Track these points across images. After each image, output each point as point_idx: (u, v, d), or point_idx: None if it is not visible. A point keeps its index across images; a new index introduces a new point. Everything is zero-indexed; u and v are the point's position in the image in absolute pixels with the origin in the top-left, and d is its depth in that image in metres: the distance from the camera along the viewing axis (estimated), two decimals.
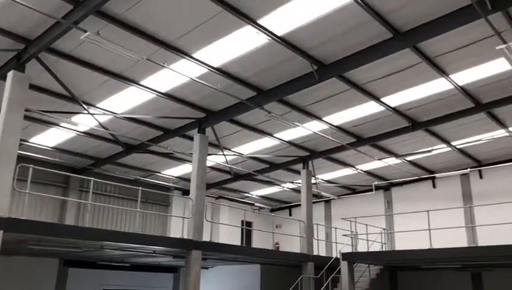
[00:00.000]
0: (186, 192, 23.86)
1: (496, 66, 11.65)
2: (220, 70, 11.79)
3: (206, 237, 14.52)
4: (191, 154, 15.45)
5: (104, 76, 12.11)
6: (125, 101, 13.63)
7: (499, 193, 18.93)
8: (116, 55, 10.80)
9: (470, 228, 19.62)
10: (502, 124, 15.55)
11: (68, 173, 13.60)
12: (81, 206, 20.35)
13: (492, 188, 19.52)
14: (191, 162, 16.94)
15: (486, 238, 18.47)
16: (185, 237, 13.94)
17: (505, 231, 15.93)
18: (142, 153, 18.28)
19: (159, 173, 21.40)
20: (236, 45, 10.61)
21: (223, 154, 17.59)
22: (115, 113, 14.38)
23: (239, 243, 25.07)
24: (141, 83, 12.58)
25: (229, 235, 23.90)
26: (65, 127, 15.78)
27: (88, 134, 16.40)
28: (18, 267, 16.30)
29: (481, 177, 20.20)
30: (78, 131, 16.08)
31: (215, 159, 18.97)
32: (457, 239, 19.47)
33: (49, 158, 18.43)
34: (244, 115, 14.49)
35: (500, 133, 16.26)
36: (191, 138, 15.87)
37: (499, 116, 15.07)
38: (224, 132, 16.26)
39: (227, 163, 18.71)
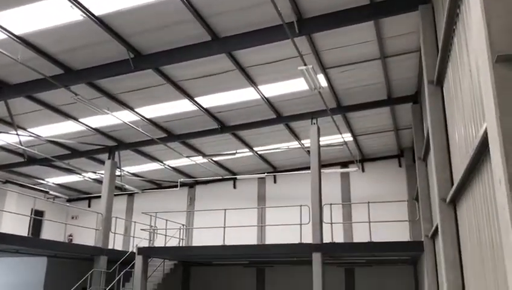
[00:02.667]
0: None
1: (297, 85, 13.01)
2: (22, 40, 10.47)
3: None
4: None
5: None
6: None
7: (289, 197, 21.15)
8: None
9: (260, 227, 21.45)
10: (297, 137, 17.48)
11: None
12: None
13: (283, 192, 21.71)
14: None
15: (273, 237, 20.47)
16: None
17: (290, 231, 17.90)
18: None
19: None
20: (46, 15, 9.58)
21: (16, 134, 15.66)
22: None
23: (26, 234, 22.62)
24: None
25: (15, 224, 21.42)
26: None
27: None
28: None
29: (275, 182, 22.29)
30: None
31: (5, 139, 16.74)
32: (251, 237, 21.14)
33: None
34: (47, 93, 13.17)
35: (294, 144, 18.26)
36: None
37: (294, 130, 16.90)
38: (20, 109, 14.46)
39: (21, 144, 16.70)
